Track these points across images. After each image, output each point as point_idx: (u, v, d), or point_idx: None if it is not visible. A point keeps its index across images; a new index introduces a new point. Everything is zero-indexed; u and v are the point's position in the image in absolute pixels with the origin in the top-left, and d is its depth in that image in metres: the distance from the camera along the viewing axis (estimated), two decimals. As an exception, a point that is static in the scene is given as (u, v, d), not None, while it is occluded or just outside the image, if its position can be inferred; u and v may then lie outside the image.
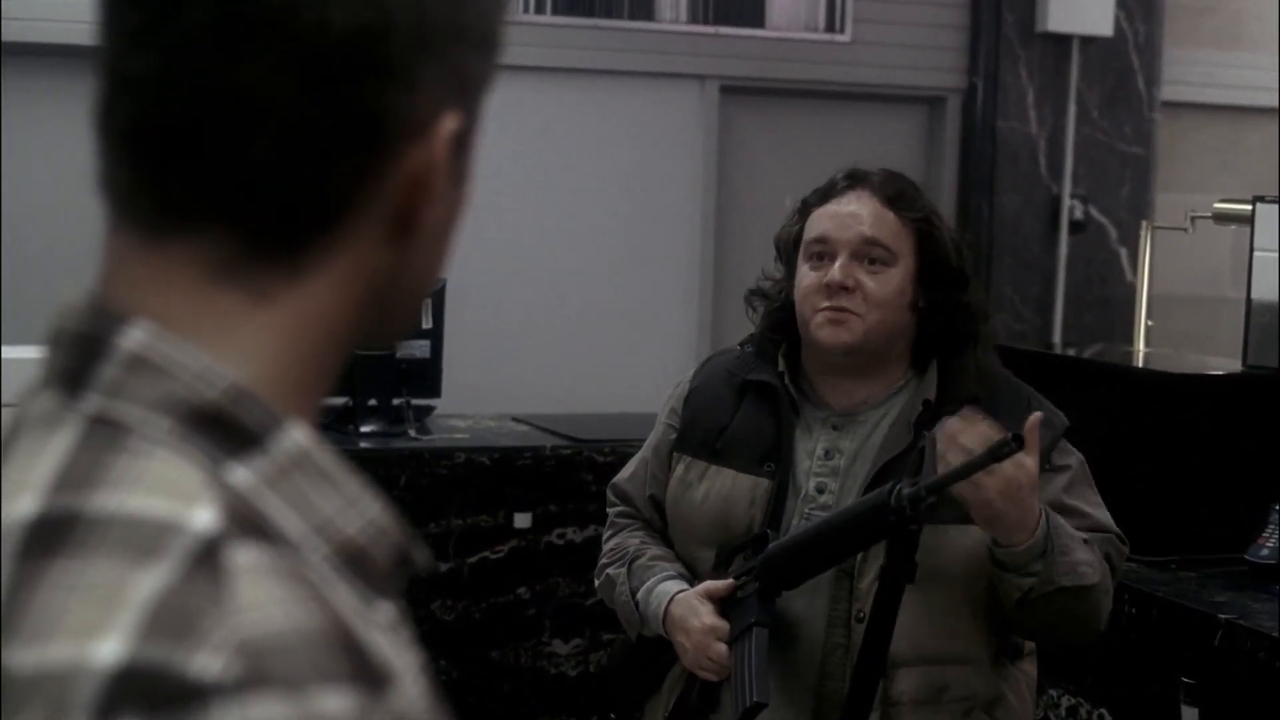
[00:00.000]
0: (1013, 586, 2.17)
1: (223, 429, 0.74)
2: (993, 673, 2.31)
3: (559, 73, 5.69)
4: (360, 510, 0.76)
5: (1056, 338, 6.05)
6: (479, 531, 4.24)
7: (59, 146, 4.95)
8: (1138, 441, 3.44)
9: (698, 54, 5.85)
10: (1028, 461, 2.08)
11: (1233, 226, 4.07)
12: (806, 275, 2.36)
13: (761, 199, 5.83)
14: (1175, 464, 3.44)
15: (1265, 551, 3.26)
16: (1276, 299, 3.59)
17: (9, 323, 3.92)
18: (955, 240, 2.39)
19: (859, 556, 2.25)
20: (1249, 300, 3.66)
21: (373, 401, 4.38)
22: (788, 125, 6.07)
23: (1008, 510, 2.11)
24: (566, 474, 4.32)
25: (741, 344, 2.52)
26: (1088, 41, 6.11)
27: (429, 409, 4.53)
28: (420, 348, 4.41)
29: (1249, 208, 3.70)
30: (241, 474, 0.73)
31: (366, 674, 0.69)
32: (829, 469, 2.34)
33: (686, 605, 2.30)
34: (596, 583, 2.52)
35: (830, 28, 5.97)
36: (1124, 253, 6.18)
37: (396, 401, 4.39)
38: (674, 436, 2.47)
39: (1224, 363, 3.87)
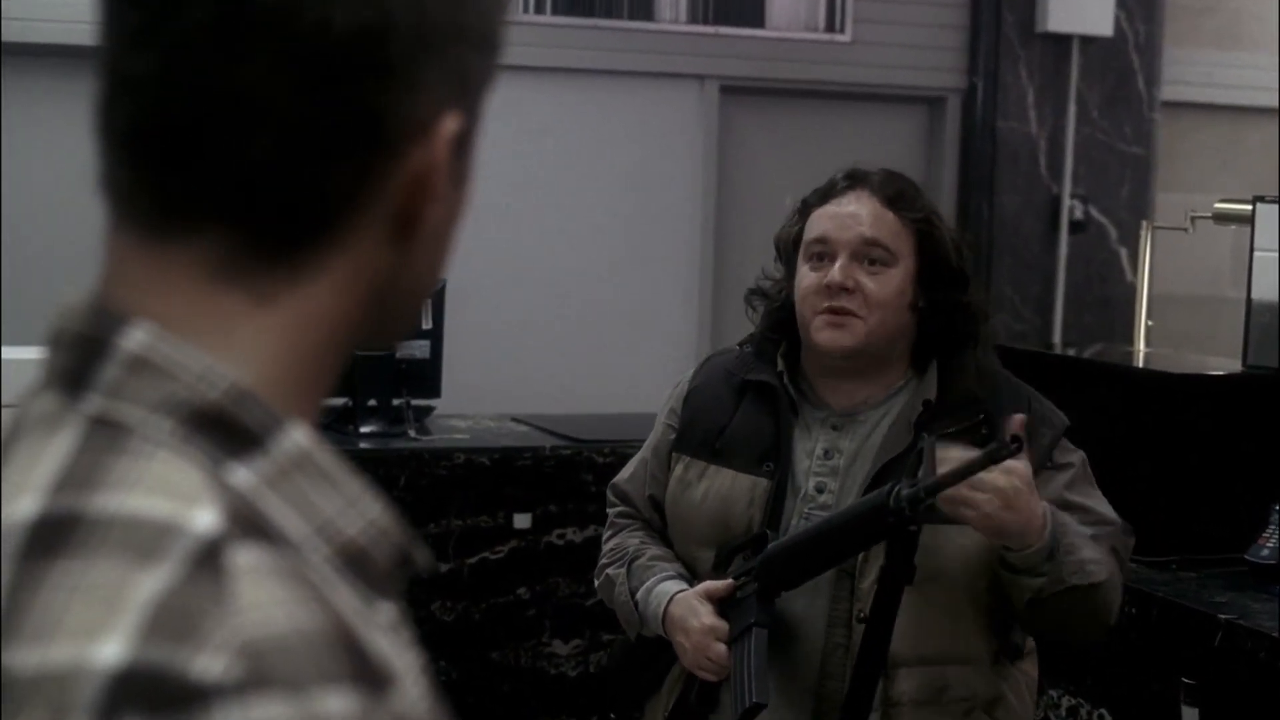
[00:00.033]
0: (1022, 588, 2.17)
1: (224, 430, 0.74)
2: (993, 673, 2.31)
3: (559, 73, 5.69)
4: (361, 511, 0.76)
5: (1056, 338, 6.05)
6: (479, 532, 4.24)
7: (59, 146, 4.95)
8: (1138, 442, 3.44)
9: (697, 54, 5.85)
10: (1018, 466, 2.07)
11: (1233, 226, 4.07)
12: (806, 276, 2.36)
13: (761, 199, 5.83)
14: (1175, 464, 3.44)
15: (1265, 552, 3.26)
16: (1276, 299, 3.59)
17: (9, 323, 3.92)
18: (955, 240, 2.39)
19: (860, 557, 2.24)
20: (1249, 300, 3.66)
21: (372, 402, 4.38)
22: (788, 125, 6.07)
23: (1010, 519, 2.10)
24: (566, 474, 4.32)
25: (741, 344, 2.52)
26: (1088, 41, 6.11)
27: (429, 409, 4.53)
28: (420, 348, 4.41)
29: (1249, 208, 3.70)
30: (242, 475, 0.73)
31: (368, 675, 0.69)
32: (828, 469, 2.34)
33: (686, 605, 2.30)
34: (596, 583, 2.52)
35: (830, 28, 5.97)
36: (1124, 253, 6.18)
37: (396, 402, 4.39)
38: (673, 436, 2.47)
39: (1224, 363, 3.86)
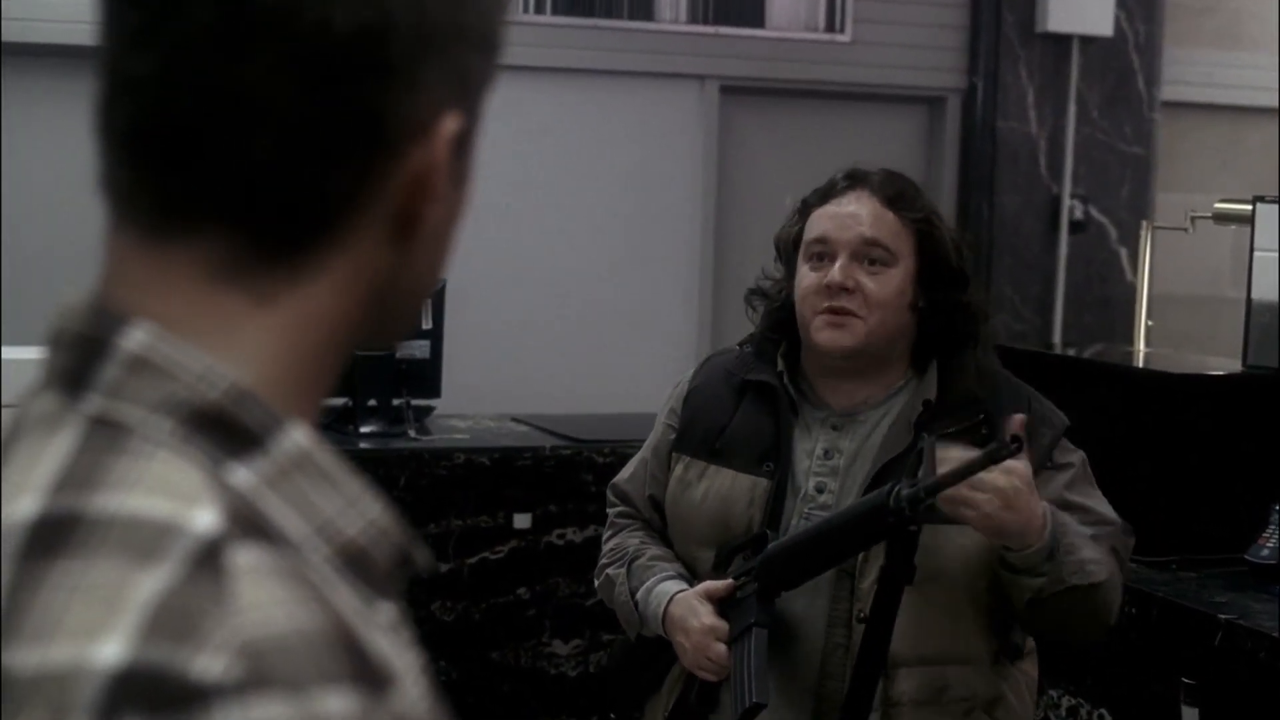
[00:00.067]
0: (1023, 588, 2.17)
1: (224, 430, 0.74)
2: (993, 673, 2.31)
3: (559, 73, 5.69)
4: (361, 511, 0.76)
5: (1056, 338, 6.05)
6: (479, 532, 4.24)
7: (59, 146, 4.95)
8: (1138, 442, 3.44)
9: (697, 54, 5.85)
10: (1018, 466, 2.07)
11: (1233, 226, 4.07)
12: (806, 276, 2.36)
13: (761, 199, 5.83)
14: (1175, 464, 3.44)
15: (1265, 552, 3.26)
16: (1276, 299, 3.59)
17: (9, 323, 3.92)
18: (955, 240, 2.39)
19: (860, 557, 2.24)
20: (1249, 300, 3.66)
21: (372, 402, 4.38)
22: (788, 125, 6.07)
23: (1010, 519, 2.10)
24: (566, 474, 4.32)
25: (741, 344, 2.51)
26: (1088, 41, 6.11)
27: (429, 409, 4.53)
28: (420, 348, 4.41)
29: (1249, 208, 3.70)
30: (242, 475, 0.73)
31: (368, 675, 0.69)
32: (829, 469, 2.34)
33: (686, 605, 2.30)
34: (596, 583, 2.52)
35: (830, 28, 5.97)
36: (1124, 253, 6.18)
37: (396, 402, 4.39)
38: (673, 436, 2.47)
39: (1224, 363, 3.86)
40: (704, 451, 2.41)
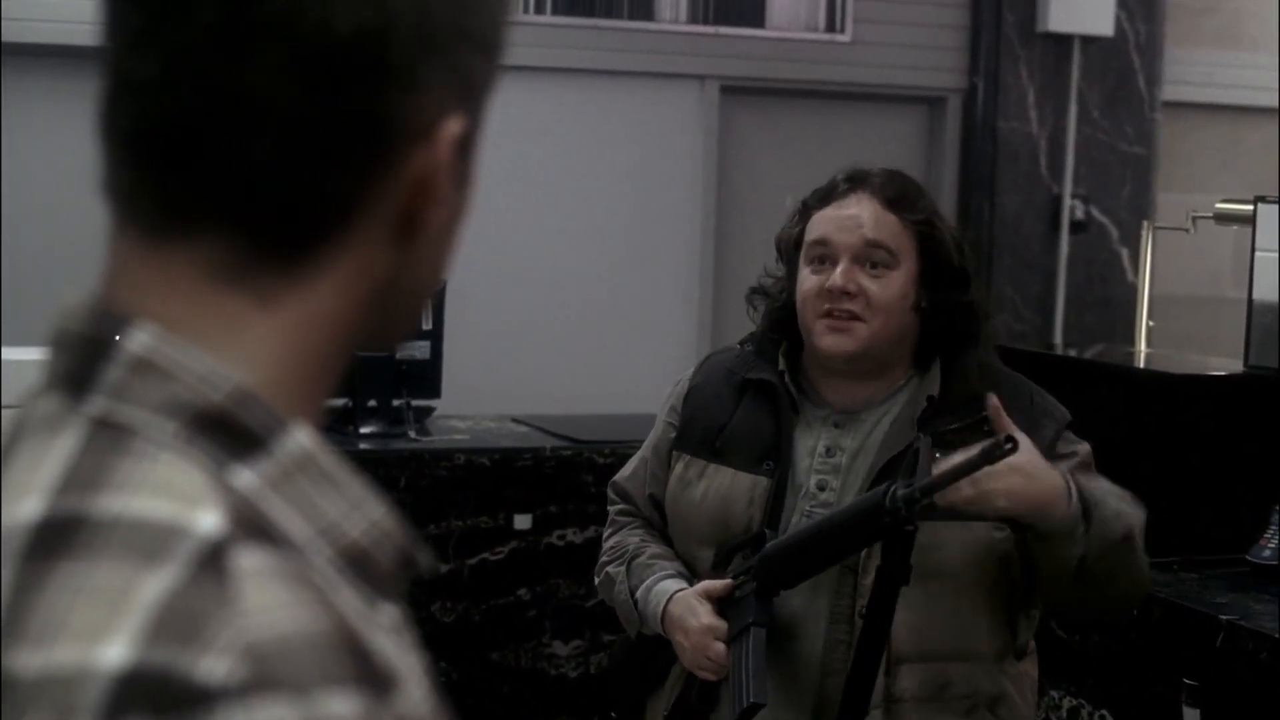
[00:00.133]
0: (1067, 557, 2.14)
1: (227, 431, 0.73)
2: (997, 671, 2.31)
3: (559, 73, 5.69)
4: (364, 513, 0.76)
5: (1057, 338, 6.05)
6: (479, 533, 4.24)
7: (59, 146, 4.95)
8: (1139, 442, 3.44)
9: (698, 54, 5.85)
10: (1024, 440, 2.06)
11: (1234, 227, 4.07)
12: (808, 279, 2.35)
13: (761, 199, 5.83)
14: (1177, 465, 3.44)
15: (1267, 552, 3.26)
16: (1277, 299, 3.59)
17: (9, 323, 3.92)
18: (957, 239, 2.38)
19: (864, 553, 2.24)
20: (1250, 301, 3.66)
21: (372, 402, 4.38)
22: (788, 125, 6.07)
23: (1037, 489, 2.10)
24: (566, 475, 4.31)
25: (741, 342, 2.51)
26: (1088, 41, 6.11)
27: (429, 410, 4.52)
28: (420, 349, 4.41)
29: (1250, 208, 3.70)
30: (245, 476, 0.73)
31: (371, 677, 0.69)
32: (830, 466, 2.34)
33: (685, 604, 2.30)
34: (596, 580, 2.52)
35: (830, 28, 5.97)
36: (1125, 253, 6.18)
37: (396, 402, 4.39)
38: (673, 435, 2.47)
39: (1225, 363, 3.86)
40: (704, 450, 2.41)
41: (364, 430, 4.33)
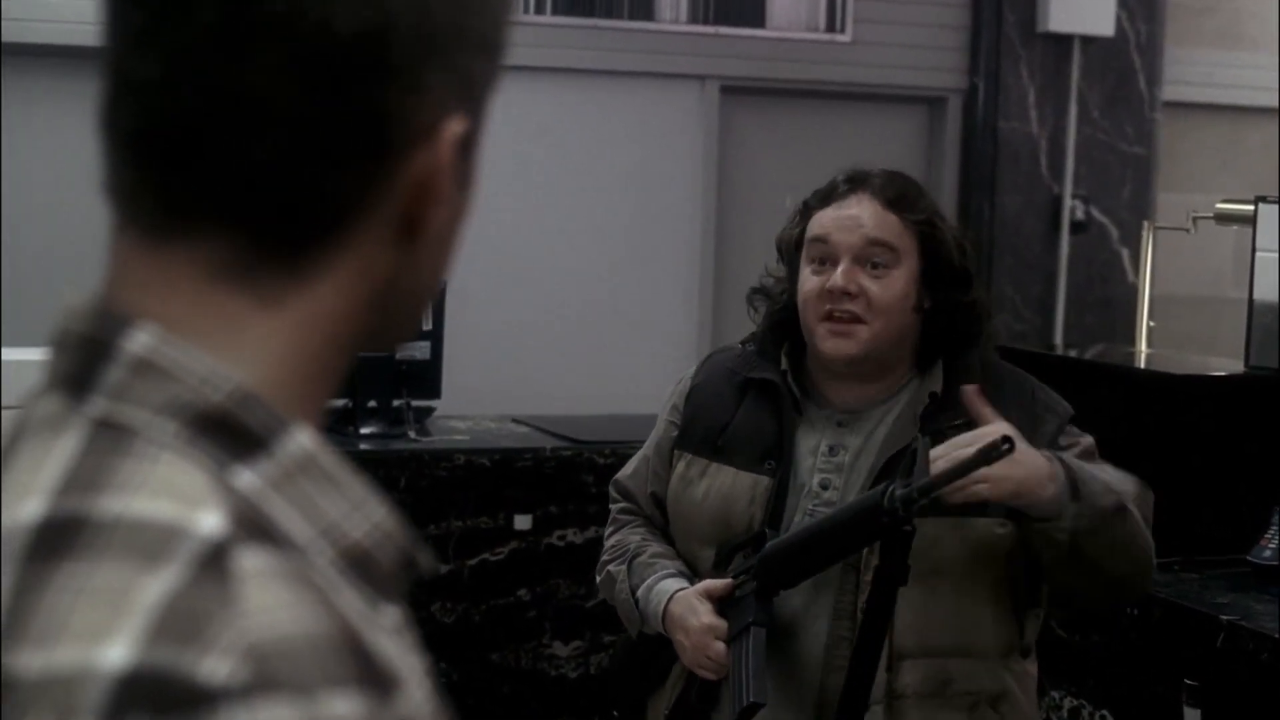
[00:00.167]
0: (1060, 534, 2.14)
1: (228, 432, 0.73)
2: (1000, 668, 2.31)
3: (559, 73, 5.69)
4: (366, 514, 0.76)
5: (1058, 338, 6.05)
6: (479, 533, 4.24)
7: (59, 146, 4.96)
8: (1139, 442, 3.43)
9: (698, 54, 5.85)
10: (1004, 426, 2.06)
11: (1234, 227, 4.07)
12: (809, 280, 2.35)
13: (761, 199, 5.83)
14: (1177, 465, 3.43)
15: (1268, 553, 3.26)
16: (1278, 299, 3.59)
17: (9, 323, 3.92)
18: (958, 239, 2.38)
19: (866, 550, 2.24)
20: (1251, 301, 3.66)
21: (373, 403, 4.38)
22: (788, 125, 6.07)
23: (1021, 473, 2.10)
24: (567, 475, 4.31)
25: (743, 342, 2.51)
26: (1089, 41, 6.11)
27: (429, 410, 4.52)
28: (420, 349, 4.41)
29: (1250, 208, 3.70)
30: (247, 477, 0.73)
31: (373, 678, 0.69)
32: (833, 465, 2.34)
33: (685, 604, 2.30)
34: (597, 579, 2.52)
35: (830, 28, 5.97)
36: (1125, 253, 6.18)
37: (396, 403, 4.39)
38: (675, 434, 2.47)
39: (1226, 363, 3.86)
40: (706, 449, 2.41)
41: (364, 431, 4.33)
